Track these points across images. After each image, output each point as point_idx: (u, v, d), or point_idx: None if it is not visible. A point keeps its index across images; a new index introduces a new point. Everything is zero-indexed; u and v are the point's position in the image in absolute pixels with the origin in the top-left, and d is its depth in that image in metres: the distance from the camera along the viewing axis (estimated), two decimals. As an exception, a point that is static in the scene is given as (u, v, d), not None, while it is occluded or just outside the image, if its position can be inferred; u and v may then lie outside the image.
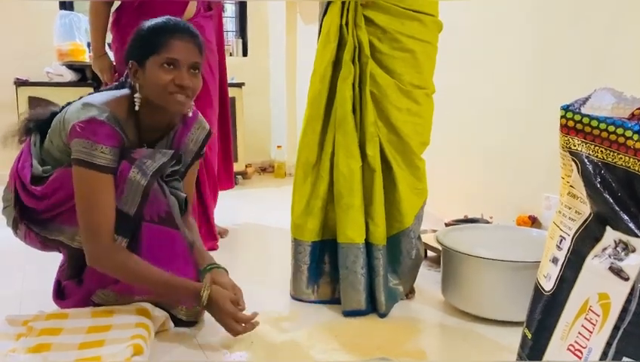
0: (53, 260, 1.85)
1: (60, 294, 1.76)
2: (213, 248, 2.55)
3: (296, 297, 1.97)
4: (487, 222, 2.49)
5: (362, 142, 1.87)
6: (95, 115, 1.54)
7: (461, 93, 2.86)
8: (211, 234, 2.60)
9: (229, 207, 3.25)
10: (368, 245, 1.86)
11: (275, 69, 4.86)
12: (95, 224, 1.55)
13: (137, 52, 1.62)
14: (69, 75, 4.05)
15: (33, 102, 3.89)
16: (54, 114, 1.72)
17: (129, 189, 1.58)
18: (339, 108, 1.85)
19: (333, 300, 1.93)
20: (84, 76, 4.13)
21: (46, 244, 1.73)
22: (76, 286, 1.72)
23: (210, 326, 1.71)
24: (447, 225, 2.44)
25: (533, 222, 2.40)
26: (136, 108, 1.63)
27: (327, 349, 1.59)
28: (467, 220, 2.51)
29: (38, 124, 1.74)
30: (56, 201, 1.63)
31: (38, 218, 1.68)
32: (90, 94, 1.76)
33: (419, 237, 2.00)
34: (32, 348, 1.43)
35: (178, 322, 1.72)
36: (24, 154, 1.72)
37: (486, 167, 2.80)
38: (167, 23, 1.64)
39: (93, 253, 1.57)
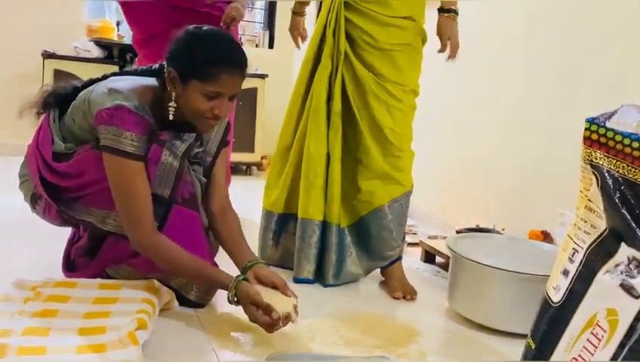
0: (61, 230, 1.87)
1: (70, 267, 1.78)
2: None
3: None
4: (499, 233, 2.48)
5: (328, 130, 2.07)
6: (123, 102, 1.53)
7: (481, 103, 2.84)
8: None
9: (242, 197, 3.25)
10: (325, 223, 2.07)
11: (300, 63, 4.86)
12: (135, 212, 1.55)
13: (183, 67, 1.56)
14: (96, 52, 4.09)
15: (58, 75, 3.93)
16: (76, 90, 1.71)
17: (162, 171, 1.60)
18: (314, 98, 2.07)
19: (288, 267, 2.16)
20: (111, 54, 4.17)
21: (65, 220, 1.73)
22: (88, 262, 1.73)
23: (213, 306, 1.74)
24: (458, 232, 2.43)
25: (546, 237, 2.38)
26: (170, 117, 1.61)
27: (327, 342, 1.59)
28: (479, 229, 2.50)
29: (58, 100, 1.73)
30: (82, 183, 1.63)
31: (62, 196, 1.67)
32: (114, 74, 1.76)
33: (398, 223, 2.11)
34: (39, 313, 1.45)
35: (187, 302, 1.73)
36: (43, 129, 1.70)
37: (502, 178, 2.79)
38: (225, 55, 1.58)
39: (136, 240, 1.57)
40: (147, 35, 2.51)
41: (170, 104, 1.60)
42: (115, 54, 4.15)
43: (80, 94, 1.66)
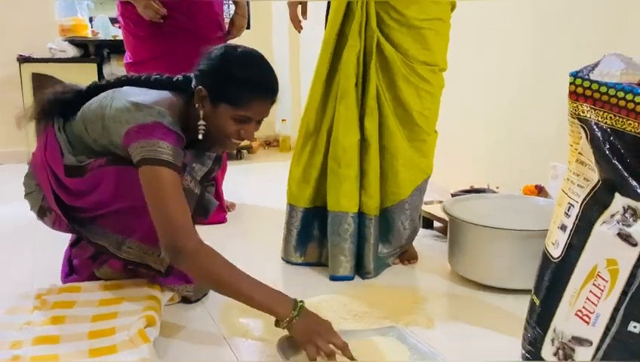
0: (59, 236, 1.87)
1: (71, 270, 1.77)
2: (222, 221, 2.59)
3: (285, 259, 2.07)
4: (494, 192, 2.49)
5: (362, 115, 1.91)
6: (159, 119, 1.44)
7: (467, 63, 2.83)
8: (220, 208, 2.63)
9: (236, 182, 3.26)
10: (360, 215, 1.93)
11: (279, 43, 4.82)
12: (178, 218, 1.38)
13: (215, 88, 1.50)
14: (72, 51, 4.03)
15: (37, 78, 3.88)
16: (79, 95, 1.64)
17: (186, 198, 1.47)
18: (342, 80, 1.87)
19: (319, 264, 2.03)
20: (87, 52, 4.12)
21: (75, 231, 1.68)
22: (89, 264, 1.72)
23: (218, 298, 1.75)
24: (453, 195, 2.44)
25: (540, 191, 2.40)
26: (200, 137, 1.53)
27: (335, 318, 1.60)
28: (473, 190, 2.51)
29: (60, 108, 1.64)
30: (97, 201, 1.55)
31: (77, 216, 1.61)
32: (126, 81, 1.65)
33: (416, 208, 2.04)
34: (47, 321, 1.46)
35: (184, 300, 1.72)
36: (49, 141, 1.60)
37: (492, 138, 2.80)
38: (260, 81, 1.52)
39: (182, 246, 1.35)
40: (139, 59, 2.48)
41: (200, 123, 1.53)
42: (91, 52, 4.09)
43: (92, 106, 1.57)
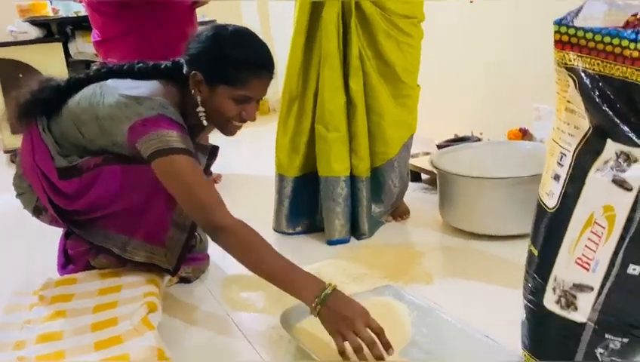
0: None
1: (67, 260, 1.74)
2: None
3: (277, 230, 2.05)
4: (478, 139, 2.50)
5: (346, 76, 1.87)
6: (161, 111, 1.40)
7: (446, 11, 2.78)
8: (208, 183, 2.60)
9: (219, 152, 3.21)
10: (352, 177, 1.92)
11: (247, 7, 4.70)
12: (208, 196, 1.37)
13: (210, 71, 1.47)
14: (34, 32, 3.88)
15: (2, 63, 3.75)
16: (58, 91, 1.57)
17: None
18: (324, 41, 1.83)
19: (313, 231, 2.02)
20: (50, 31, 3.98)
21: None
22: (84, 253, 1.69)
23: (215, 272, 1.75)
24: (439, 146, 2.44)
25: (525, 134, 2.40)
26: (204, 123, 1.52)
27: (336, 283, 1.61)
28: (458, 139, 2.51)
29: (41, 107, 1.57)
30: (95, 203, 1.51)
31: (75, 218, 1.57)
32: (109, 71, 1.58)
33: (405, 165, 2.05)
34: (48, 317, 1.44)
35: (183, 280, 1.72)
36: (36, 144, 1.54)
37: (473, 84, 2.78)
38: (255, 58, 1.49)
39: (218, 220, 1.34)
40: (108, 36, 2.39)
41: (199, 109, 1.50)
42: (54, 31, 3.95)
43: (80, 104, 1.51)
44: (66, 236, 1.75)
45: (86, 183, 1.49)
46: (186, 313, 1.56)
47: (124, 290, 1.54)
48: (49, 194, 1.53)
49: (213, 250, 1.67)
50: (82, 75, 1.61)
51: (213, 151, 1.71)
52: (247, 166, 3.08)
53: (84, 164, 1.50)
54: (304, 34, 1.87)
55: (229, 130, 1.57)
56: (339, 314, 1.20)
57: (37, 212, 1.65)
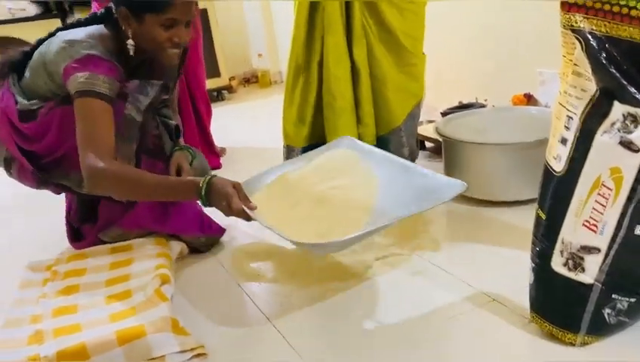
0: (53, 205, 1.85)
1: (77, 236, 1.78)
2: (217, 166, 2.58)
3: None
4: (483, 106, 2.49)
5: (350, 43, 1.86)
6: (91, 51, 1.49)
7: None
8: (213, 153, 2.62)
9: (223, 126, 3.22)
10: None
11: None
12: (97, 137, 1.45)
13: (134, 3, 1.52)
14: (33, 9, 3.86)
15: (1, 41, 3.73)
16: (26, 54, 1.67)
17: (126, 125, 1.56)
18: (328, 8, 1.83)
19: None
20: (48, 8, 3.95)
21: (42, 183, 1.71)
22: (92, 227, 1.73)
23: (224, 243, 1.77)
24: (443, 114, 2.43)
25: (529, 99, 2.39)
26: (132, 53, 1.58)
27: (346, 252, 1.63)
28: (462, 106, 2.50)
29: (13, 66, 1.68)
30: (52, 144, 1.59)
31: (40, 163, 1.64)
32: (58, 30, 1.67)
33: (412, 134, 2.03)
34: (62, 291, 1.47)
35: (194, 251, 1.75)
36: (4, 94, 1.65)
37: (475, 50, 2.75)
38: None
39: (92, 163, 1.42)
40: None
41: (129, 42, 1.58)
42: (52, 7, 3.93)
43: (34, 56, 1.62)
44: (69, 213, 1.81)
45: (40, 127, 1.57)
46: (199, 285, 1.58)
47: (135, 263, 1.56)
48: (15, 138, 1.61)
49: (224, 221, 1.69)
50: (47, 35, 1.67)
51: (164, 86, 1.71)
52: (250, 139, 3.08)
53: (42, 108, 1.58)
54: (307, 4, 1.87)
55: (166, 58, 1.60)
56: (220, 192, 1.37)
57: (7, 165, 1.71)
